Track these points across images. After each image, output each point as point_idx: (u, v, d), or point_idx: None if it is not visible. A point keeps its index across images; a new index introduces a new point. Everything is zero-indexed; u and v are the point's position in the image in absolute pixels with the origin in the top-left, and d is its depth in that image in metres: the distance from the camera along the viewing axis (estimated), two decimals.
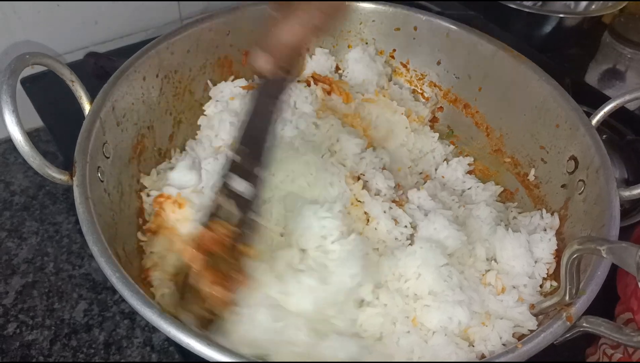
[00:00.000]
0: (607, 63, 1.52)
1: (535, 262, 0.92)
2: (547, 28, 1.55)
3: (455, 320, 0.82)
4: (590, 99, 1.15)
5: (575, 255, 0.65)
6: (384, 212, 0.97)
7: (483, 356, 0.80)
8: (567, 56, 1.65)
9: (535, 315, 0.80)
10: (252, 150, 0.79)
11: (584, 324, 0.72)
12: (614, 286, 0.92)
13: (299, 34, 0.72)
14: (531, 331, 0.79)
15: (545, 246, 0.92)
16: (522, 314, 0.84)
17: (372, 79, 1.22)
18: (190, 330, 0.67)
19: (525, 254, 0.91)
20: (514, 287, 0.88)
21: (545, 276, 0.92)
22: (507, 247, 0.92)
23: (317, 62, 1.24)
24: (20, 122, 0.77)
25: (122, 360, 0.96)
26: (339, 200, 0.95)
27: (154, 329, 1.00)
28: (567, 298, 0.71)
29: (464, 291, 0.85)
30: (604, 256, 0.60)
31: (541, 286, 0.90)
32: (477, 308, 0.84)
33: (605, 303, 0.91)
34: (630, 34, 1.46)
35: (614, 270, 0.78)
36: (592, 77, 1.55)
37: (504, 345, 0.81)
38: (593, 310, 0.73)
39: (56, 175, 0.80)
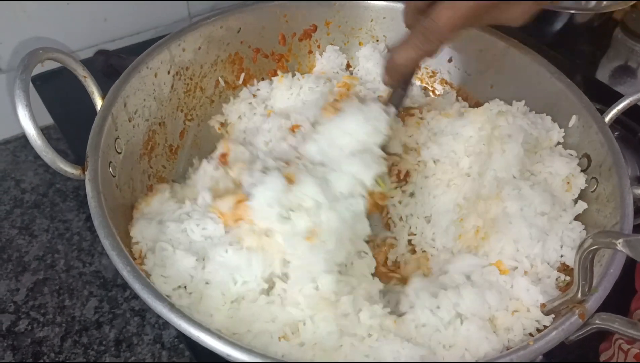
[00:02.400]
0: (619, 60, 1.50)
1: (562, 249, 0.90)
2: (558, 24, 1.54)
3: (486, 303, 0.81)
4: (602, 95, 1.14)
5: (589, 250, 0.64)
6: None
7: (504, 345, 0.79)
8: (578, 52, 1.64)
9: (547, 314, 0.79)
10: None
11: (597, 321, 0.71)
12: (628, 282, 0.91)
13: (410, 57, 0.84)
14: (546, 327, 0.78)
15: (576, 237, 0.90)
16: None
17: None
18: (201, 325, 0.67)
19: (554, 242, 0.89)
20: (540, 279, 0.87)
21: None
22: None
23: (328, 59, 1.24)
24: (33, 116, 0.77)
25: (133, 357, 0.96)
26: None
27: (164, 326, 1.01)
28: (579, 295, 0.70)
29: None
30: (620, 249, 0.59)
31: (557, 278, 0.88)
32: (507, 296, 0.83)
33: (621, 299, 0.90)
34: None
35: (632, 264, 0.77)
36: (603, 73, 1.53)
37: (530, 335, 0.80)
38: (607, 305, 0.73)
39: (68, 169, 0.80)
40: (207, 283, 0.81)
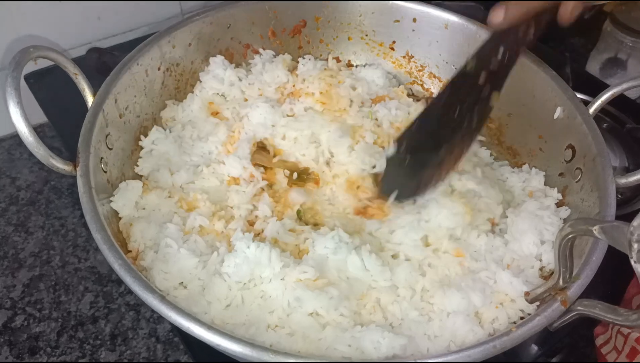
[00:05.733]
0: (609, 52, 1.51)
1: (542, 244, 0.91)
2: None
3: (471, 304, 0.82)
4: (592, 88, 1.14)
5: (568, 237, 0.65)
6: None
7: (490, 335, 0.80)
8: (568, 45, 1.65)
9: (531, 302, 0.81)
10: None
11: (579, 308, 0.72)
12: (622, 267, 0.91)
13: None
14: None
15: (555, 230, 0.91)
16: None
17: None
18: (190, 316, 0.68)
19: (534, 236, 0.91)
20: (522, 270, 0.88)
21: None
22: (518, 228, 0.92)
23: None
24: (24, 114, 0.78)
25: (128, 351, 0.97)
26: None
27: (159, 320, 1.02)
28: (560, 282, 0.71)
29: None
30: (597, 236, 0.59)
31: (541, 269, 0.90)
32: (491, 292, 0.85)
33: (613, 284, 0.92)
34: (631, 23, 1.44)
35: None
36: (593, 66, 1.54)
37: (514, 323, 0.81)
38: (598, 290, 0.75)
39: (60, 165, 0.81)
40: (216, 276, 0.84)
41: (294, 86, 1.15)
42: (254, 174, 1.00)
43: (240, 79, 1.15)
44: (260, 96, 1.14)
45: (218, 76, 1.13)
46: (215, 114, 1.12)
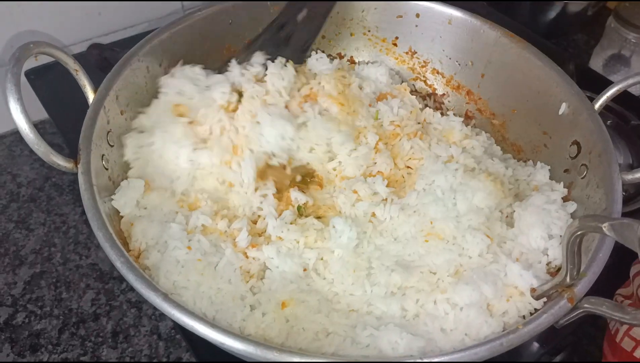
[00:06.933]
0: (612, 48, 1.50)
1: (550, 238, 0.90)
2: (552, 14, 1.54)
3: (483, 295, 0.82)
4: (595, 84, 1.14)
5: (576, 234, 0.64)
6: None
7: (504, 328, 0.80)
8: (571, 41, 1.65)
9: (537, 299, 0.80)
10: None
11: (586, 305, 0.72)
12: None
13: None
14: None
15: (563, 225, 0.90)
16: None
17: None
18: (194, 314, 0.68)
19: (541, 230, 0.90)
20: (531, 265, 0.87)
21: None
22: (526, 221, 0.92)
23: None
24: (25, 110, 0.78)
25: (130, 348, 0.97)
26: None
27: (161, 317, 1.01)
28: (567, 279, 0.71)
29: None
30: (606, 233, 0.59)
31: (547, 264, 0.89)
32: (502, 284, 0.84)
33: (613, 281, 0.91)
34: (635, 19, 1.43)
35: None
36: (596, 62, 1.53)
37: (524, 317, 0.81)
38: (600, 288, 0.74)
39: (61, 162, 0.81)
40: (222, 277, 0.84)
41: (311, 89, 1.09)
42: (266, 194, 0.97)
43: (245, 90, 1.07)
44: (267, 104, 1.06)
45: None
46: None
